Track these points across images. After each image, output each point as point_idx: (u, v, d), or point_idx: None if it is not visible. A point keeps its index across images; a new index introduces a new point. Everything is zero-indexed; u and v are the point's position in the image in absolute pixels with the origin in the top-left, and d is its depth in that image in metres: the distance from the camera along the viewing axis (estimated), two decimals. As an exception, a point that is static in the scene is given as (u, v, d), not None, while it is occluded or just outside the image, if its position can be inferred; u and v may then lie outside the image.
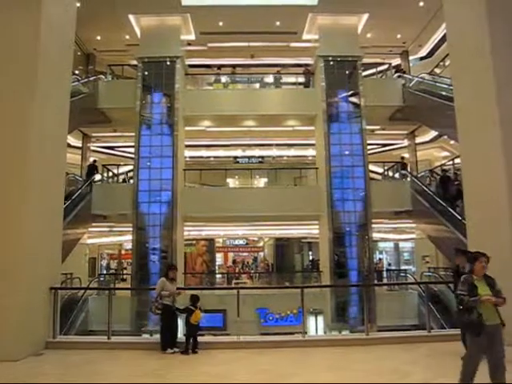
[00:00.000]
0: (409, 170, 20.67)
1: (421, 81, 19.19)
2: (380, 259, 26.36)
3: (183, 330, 8.80)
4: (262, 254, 29.48)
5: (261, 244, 29.86)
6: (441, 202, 16.13)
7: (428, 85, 18.74)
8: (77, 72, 20.04)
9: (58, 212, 9.98)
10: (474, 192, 9.96)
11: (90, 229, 20.46)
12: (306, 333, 10.18)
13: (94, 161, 20.68)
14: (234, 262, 29.61)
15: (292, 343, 8.94)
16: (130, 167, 20.04)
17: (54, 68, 9.54)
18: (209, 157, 25.69)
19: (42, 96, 8.88)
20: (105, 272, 26.47)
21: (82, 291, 18.19)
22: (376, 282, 19.35)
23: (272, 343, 8.94)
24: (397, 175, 20.74)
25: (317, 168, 19.61)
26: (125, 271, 25.56)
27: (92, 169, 19.76)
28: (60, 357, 8.16)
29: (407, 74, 20.95)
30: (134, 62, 19.72)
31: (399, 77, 20.62)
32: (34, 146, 8.58)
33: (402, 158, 21.72)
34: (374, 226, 18.61)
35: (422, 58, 22.87)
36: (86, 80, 19.45)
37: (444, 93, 16.49)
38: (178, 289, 9.12)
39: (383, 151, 25.31)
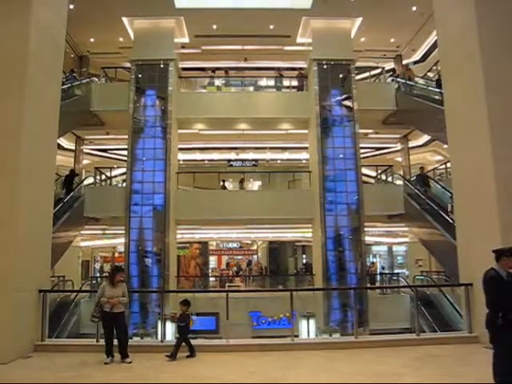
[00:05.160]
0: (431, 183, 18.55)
1: (413, 85, 19.29)
2: (373, 263, 26.37)
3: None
4: (255, 257, 29.42)
5: (254, 247, 29.82)
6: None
7: (421, 89, 18.85)
8: (74, 74, 20.03)
9: (48, 214, 9.94)
10: (464, 195, 10.01)
11: (83, 231, 20.41)
12: (296, 336, 10.19)
13: (72, 170, 19.60)
14: (228, 265, 29.58)
15: (281, 346, 8.93)
16: (123, 170, 20.00)
17: (45, 70, 9.52)
18: (202, 160, 25.69)
19: (32, 98, 8.86)
20: (98, 275, 26.36)
21: (74, 294, 18.17)
22: (369, 285, 19.32)
23: (261, 346, 8.94)
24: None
25: (310, 171, 19.62)
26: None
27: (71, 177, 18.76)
28: (48, 359, 8.11)
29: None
30: (128, 65, 19.74)
31: (393, 80, 20.69)
32: (23, 148, 8.55)
33: (422, 168, 20.00)
34: (367, 229, 18.65)
35: (415, 62, 22.92)
36: (79, 82, 19.42)
37: (436, 97, 16.56)
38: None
39: (376, 155, 25.35)
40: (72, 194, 17.94)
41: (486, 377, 5.61)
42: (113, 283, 8.28)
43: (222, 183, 21.61)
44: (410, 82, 19.59)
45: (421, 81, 19.93)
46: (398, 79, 20.40)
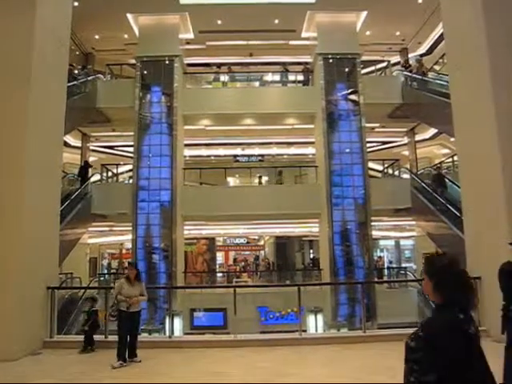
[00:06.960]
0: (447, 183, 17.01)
1: (420, 78, 19.13)
2: (380, 257, 26.31)
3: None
4: (262, 252, 29.46)
5: (261, 243, 29.85)
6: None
7: (427, 82, 18.69)
8: (86, 70, 20.11)
9: (55, 211, 9.99)
10: (471, 188, 9.96)
11: (90, 228, 20.47)
12: (303, 331, 10.18)
13: (86, 161, 20.39)
14: (235, 260, 29.63)
15: (289, 341, 8.94)
16: (130, 167, 20.04)
17: (49, 68, 9.55)
18: (208, 156, 25.69)
19: (37, 96, 8.89)
20: (105, 271, 26.48)
21: (83, 291, 18.23)
22: (376, 279, 19.27)
23: (269, 341, 8.95)
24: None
25: (316, 166, 19.56)
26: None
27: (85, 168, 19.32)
28: (57, 356, 8.16)
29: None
30: (133, 61, 19.74)
31: (406, 76, 20.46)
32: (29, 145, 8.59)
33: (438, 168, 18.36)
34: (374, 223, 18.57)
35: (421, 55, 22.74)
36: (84, 79, 19.44)
37: (443, 90, 16.40)
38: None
39: (383, 149, 25.25)
40: (83, 187, 18.17)
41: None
42: (130, 281, 7.94)
43: (258, 179, 21.93)
44: (419, 76, 19.33)
45: (432, 74, 19.67)
46: (409, 73, 20.13)
